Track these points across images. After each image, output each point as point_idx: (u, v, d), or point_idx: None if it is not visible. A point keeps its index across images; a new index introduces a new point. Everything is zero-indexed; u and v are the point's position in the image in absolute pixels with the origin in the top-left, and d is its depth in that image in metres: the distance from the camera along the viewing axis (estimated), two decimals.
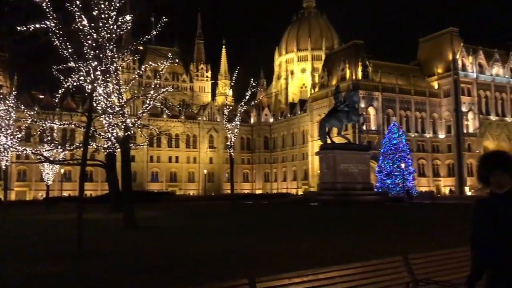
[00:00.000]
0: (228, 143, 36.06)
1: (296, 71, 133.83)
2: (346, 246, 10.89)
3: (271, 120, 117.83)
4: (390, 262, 5.01)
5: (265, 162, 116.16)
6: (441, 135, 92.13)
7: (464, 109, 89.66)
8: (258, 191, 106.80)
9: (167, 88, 20.93)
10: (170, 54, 20.48)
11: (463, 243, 3.72)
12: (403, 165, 60.90)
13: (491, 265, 3.29)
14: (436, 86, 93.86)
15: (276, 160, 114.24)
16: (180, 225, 19.02)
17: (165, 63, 19.55)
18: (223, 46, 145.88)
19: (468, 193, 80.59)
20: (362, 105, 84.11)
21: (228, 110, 37.50)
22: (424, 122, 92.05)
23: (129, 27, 18.99)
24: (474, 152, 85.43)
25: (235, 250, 10.60)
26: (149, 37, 19.26)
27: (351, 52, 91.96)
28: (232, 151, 36.64)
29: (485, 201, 3.43)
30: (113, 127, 18.66)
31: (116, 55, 18.30)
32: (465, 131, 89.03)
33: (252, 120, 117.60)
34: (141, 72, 21.83)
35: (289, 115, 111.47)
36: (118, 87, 18.21)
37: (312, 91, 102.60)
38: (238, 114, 35.74)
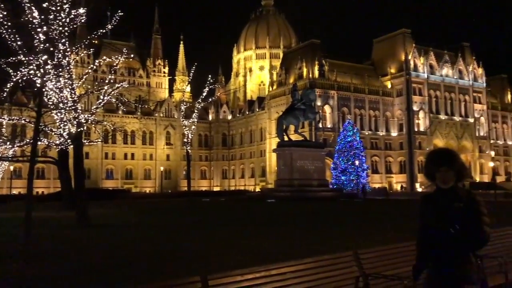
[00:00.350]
0: (185, 140, 35.67)
1: (255, 68, 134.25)
2: (300, 242, 11.07)
3: (230, 117, 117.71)
4: (341, 257, 5.15)
5: (223, 159, 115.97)
6: (394, 133, 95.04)
7: (415, 108, 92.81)
8: (216, 188, 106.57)
9: (122, 83, 20.47)
10: (125, 49, 20.05)
11: (411, 237, 3.88)
12: (357, 162, 62.43)
13: (433, 256, 3.48)
14: (389, 86, 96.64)
15: (234, 157, 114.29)
16: (134, 223, 18.72)
17: (120, 57, 19.12)
18: (181, 42, 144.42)
19: (419, 189, 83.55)
20: (318, 103, 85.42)
21: (185, 106, 37.19)
22: (378, 120, 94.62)
23: (83, 21, 18.48)
24: (424, 150, 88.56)
25: (189, 248, 10.56)
26: (104, 31, 18.80)
27: (308, 51, 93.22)
28: (189, 148, 36.31)
29: (431, 196, 3.61)
30: (65, 123, 18.11)
31: (68, 49, 17.76)
32: (416, 130, 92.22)
33: (210, 117, 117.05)
34: (95, 67, 21.26)
35: (247, 112, 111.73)
36: (70, 82, 17.67)
37: (270, 89, 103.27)
38: (196, 111, 35.45)
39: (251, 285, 4.31)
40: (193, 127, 35.32)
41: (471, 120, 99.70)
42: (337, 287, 4.88)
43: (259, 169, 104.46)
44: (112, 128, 27.84)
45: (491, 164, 68.35)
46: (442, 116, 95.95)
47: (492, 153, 67.42)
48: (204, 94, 35.27)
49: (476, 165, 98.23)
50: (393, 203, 36.75)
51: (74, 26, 18.10)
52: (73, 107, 17.81)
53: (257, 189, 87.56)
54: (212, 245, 10.80)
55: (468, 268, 3.37)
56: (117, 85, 19.90)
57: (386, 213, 23.39)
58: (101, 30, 18.70)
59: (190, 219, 20.39)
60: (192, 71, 36.83)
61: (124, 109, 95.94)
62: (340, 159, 65.82)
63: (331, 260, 5.03)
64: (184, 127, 35.59)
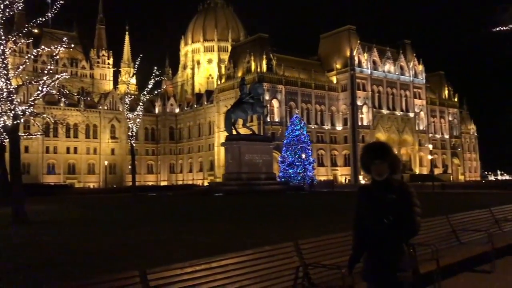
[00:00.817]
0: (130, 134, 34.82)
1: (203, 61, 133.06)
2: (244, 235, 11.15)
3: (177, 110, 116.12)
4: (282, 248, 5.24)
5: (171, 153, 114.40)
6: (339, 127, 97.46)
7: (359, 103, 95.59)
8: (163, 183, 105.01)
9: (62, 74, 19.64)
10: (65, 38, 19.24)
11: (350, 227, 4.01)
12: (304, 156, 63.51)
13: (368, 245, 3.62)
14: (334, 81, 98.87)
15: (182, 151, 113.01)
16: (74, 219, 18.11)
17: (60, 47, 18.34)
18: (126, 32, 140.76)
19: (362, 181, 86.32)
20: (267, 97, 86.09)
21: (130, 99, 36.19)
22: (323, 114, 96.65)
23: (20, 8, 17.57)
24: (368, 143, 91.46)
25: (131, 243, 10.37)
26: (44, 19, 17.98)
27: (256, 45, 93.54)
28: (134, 141, 35.46)
29: (367, 187, 3.75)
30: (1, 115, 17.21)
31: (3, 37, 16.84)
32: (360, 124, 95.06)
33: (157, 110, 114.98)
34: (32, 56, 20.28)
35: (195, 106, 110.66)
36: (5, 72, 16.78)
37: (219, 82, 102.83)
38: (141, 103, 34.65)
39: (192, 278, 4.31)
40: (138, 120, 34.58)
41: (411, 114, 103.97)
42: (278, 277, 4.97)
43: (208, 163, 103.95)
44: (53, 121, 26.63)
45: (430, 157, 71.72)
46: (385, 111, 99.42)
47: (430, 147, 70.77)
48: (150, 86, 34.57)
49: (416, 158, 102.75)
50: (337, 195, 37.77)
51: (11, 13, 17.19)
52: (9, 98, 16.94)
53: (206, 183, 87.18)
54: (155, 240, 10.64)
55: (400, 257, 3.53)
56: (57, 76, 19.08)
57: (330, 204, 24.02)
58: (41, 18, 17.87)
59: (133, 215, 19.99)
60: (137, 63, 35.98)
61: (66, 101, 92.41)
62: (288, 152, 66.73)
63: (272, 251, 5.11)
64: (128, 120, 34.68)
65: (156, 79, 35.35)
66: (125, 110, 35.98)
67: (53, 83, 19.13)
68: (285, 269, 5.09)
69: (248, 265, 4.77)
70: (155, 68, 34.83)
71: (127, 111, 34.89)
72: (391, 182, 3.61)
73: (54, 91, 23.23)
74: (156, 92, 42.02)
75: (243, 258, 4.79)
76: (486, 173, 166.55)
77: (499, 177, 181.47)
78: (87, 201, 35.16)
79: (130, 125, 33.82)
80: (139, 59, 35.96)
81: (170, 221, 16.04)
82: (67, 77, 20.58)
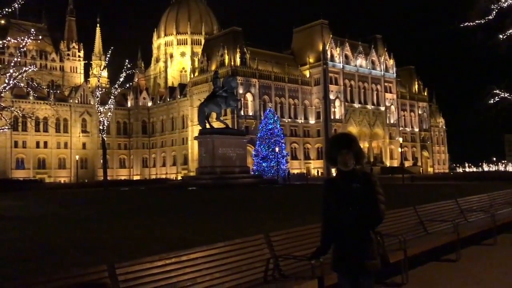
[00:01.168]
0: (101, 127, 34.25)
1: (176, 54, 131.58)
2: (216, 228, 11.16)
3: (150, 104, 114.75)
4: (252, 241, 5.28)
5: (144, 147, 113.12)
6: (312, 121, 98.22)
7: (332, 97, 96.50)
8: (136, 177, 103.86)
9: (30, 66, 19.13)
10: (32, 29, 18.71)
11: (320, 219, 4.07)
12: (277, 149, 63.81)
13: (335, 235, 3.69)
14: (307, 75, 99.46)
15: (155, 145, 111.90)
16: (43, 215, 17.74)
17: (27, 39, 17.86)
18: (98, 25, 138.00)
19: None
20: (240, 91, 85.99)
21: (101, 92, 35.52)
22: (297, 108, 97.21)
23: None
24: None
25: (101, 238, 10.24)
26: (11, 10, 17.45)
27: (230, 38, 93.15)
28: (105, 135, 34.91)
29: (333, 179, 3.82)
30: None
31: None
32: (332, 117, 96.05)
33: (129, 104, 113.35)
34: None
35: (168, 99, 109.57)
36: None
37: (192, 76, 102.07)
38: (112, 97, 34.07)
39: (162, 272, 4.30)
40: (110, 113, 34.04)
41: (382, 108, 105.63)
42: (249, 269, 5.01)
43: (181, 157, 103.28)
44: (21, 115, 25.93)
45: (400, 149, 73.11)
46: (356, 105, 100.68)
47: (401, 140, 72.10)
48: (121, 79, 34.02)
49: (386, 151, 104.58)
50: (310, 187, 38.12)
51: None
52: None
53: (179, 177, 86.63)
54: (126, 235, 10.54)
55: (368, 245, 3.61)
56: (24, 68, 18.55)
57: (302, 197, 24.24)
58: (7, 9, 17.35)
59: (104, 209, 19.71)
60: (108, 55, 35.27)
61: (35, 95, 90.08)
62: (262, 146, 66.94)
63: (243, 244, 5.14)
64: (99, 113, 34.09)
65: (127, 72, 34.87)
66: (96, 103, 35.34)
67: (20, 76, 18.62)
68: (256, 261, 5.13)
69: (218, 258, 4.79)
70: (127, 61, 34.34)
71: (98, 104, 34.27)
72: (355, 172, 3.68)
73: (22, 84, 22.62)
74: (128, 85, 41.37)
75: (213, 251, 4.81)
76: (454, 165, 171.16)
77: (467, 169, 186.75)
78: (57, 196, 34.48)
79: (101, 119, 33.25)
80: (110, 52, 35.32)
81: (141, 216, 15.88)
82: (35, 69, 20.05)
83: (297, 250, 5.53)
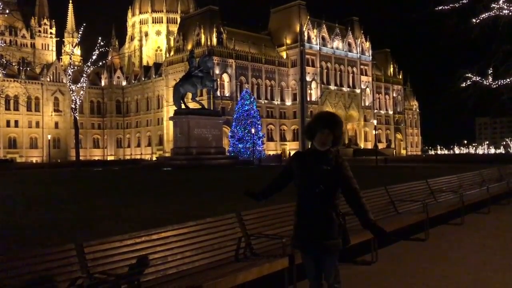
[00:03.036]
0: (73, 106, 33.53)
1: (151, 33, 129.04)
2: (191, 208, 11.14)
3: (124, 83, 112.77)
4: (224, 219, 5.27)
5: (118, 127, 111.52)
6: (288, 102, 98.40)
7: (308, 78, 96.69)
8: (110, 158, 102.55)
9: None
10: (0, 4, 18.01)
11: (290, 199, 4.10)
12: (253, 130, 63.84)
13: (297, 214, 3.71)
14: (284, 56, 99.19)
15: (129, 125, 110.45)
16: (10, 194, 17.37)
17: None
18: (70, 1, 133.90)
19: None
20: (217, 71, 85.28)
21: (72, 70, 34.63)
22: (273, 90, 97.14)
23: None
24: None
25: (70, 218, 10.09)
26: None
27: (206, 17, 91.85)
28: (77, 114, 34.21)
29: (302, 154, 3.81)
30: None
31: None
32: (308, 99, 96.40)
33: (103, 83, 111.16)
34: None
35: (143, 79, 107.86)
36: None
37: (168, 55, 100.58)
38: (85, 75, 33.28)
39: (132, 251, 4.26)
40: (82, 92, 33.31)
41: (357, 91, 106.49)
42: (221, 247, 5.01)
43: (156, 138, 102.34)
44: None
45: (374, 132, 74.05)
46: (332, 87, 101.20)
47: (375, 122, 73.00)
48: (94, 57, 33.23)
49: (361, 133, 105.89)
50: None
51: None
52: None
53: (154, 158, 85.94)
54: (96, 215, 10.39)
55: (330, 225, 3.64)
56: None
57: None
58: None
59: (75, 190, 19.40)
60: (81, 32, 34.31)
61: (4, 72, 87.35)
62: (238, 127, 66.84)
63: (214, 223, 5.13)
64: (71, 92, 33.32)
65: (100, 50, 34.03)
66: (68, 82, 34.47)
67: None
68: (228, 239, 5.14)
69: (189, 236, 4.77)
70: (99, 38, 33.50)
71: (70, 83, 33.46)
72: (328, 154, 3.67)
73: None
74: (101, 63, 40.44)
75: (184, 230, 4.78)
76: (427, 148, 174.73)
77: (439, 152, 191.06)
78: (27, 176, 33.79)
79: (73, 98, 32.51)
80: (82, 28, 34.32)
81: (113, 196, 15.69)
82: (2, 45, 19.35)
83: (269, 229, 5.56)
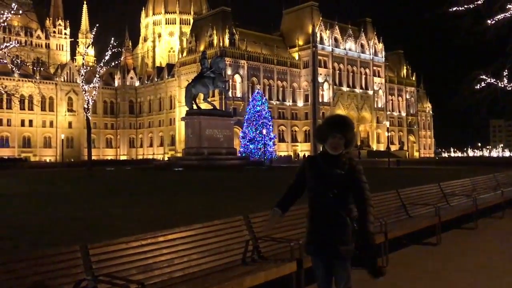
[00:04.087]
0: (85, 106, 33.74)
1: (164, 34, 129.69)
2: (199, 209, 11.10)
3: (137, 83, 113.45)
4: (231, 222, 5.21)
5: (131, 127, 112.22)
6: (300, 104, 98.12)
7: (320, 80, 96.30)
8: (123, 157, 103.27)
9: (11, 42, 18.64)
10: (14, 4, 18.17)
11: (300, 202, 4.02)
12: (264, 131, 63.76)
13: (310, 219, 3.64)
14: (296, 57, 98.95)
15: (142, 125, 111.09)
16: (22, 193, 17.49)
17: (8, 13, 17.35)
18: (84, 2, 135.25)
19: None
20: (229, 72, 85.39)
21: (85, 70, 34.89)
22: (285, 91, 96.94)
23: None
24: None
25: (79, 217, 10.10)
26: None
27: (219, 18, 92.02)
28: (90, 114, 34.43)
29: (315, 158, 3.73)
30: None
31: None
32: (320, 100, 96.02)
33: (116, 83, 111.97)
34: None
35: (156, 79, 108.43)
36: None
37: (180, 56, 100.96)
38: (97, 75, 33.46)
39: (137, 253, 4.22)
40: (95, 92, 33.51)
41: (370, 92, 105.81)
42: (228, 250, 4.95)
43: (169, 138, 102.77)
44: (3, 92, 25.37)
45: (387, 134, 73.72)
46: (345, 88, 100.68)
47: (388, 124, 72.50)
48: (107, 57, 33.42)
49: (373, 135, 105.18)
50: (294, 169, 38.20)
51: None
52: None
53: (166, 158, 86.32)
54: (105, 215, 10.40)
55: (344, 230, 3.56)
56: (5, 44, 18.06)
57: (287, 179, 24.27)
58: None
59: (86, 189, 19.50)
60: (94, 32, 34.51)
61: (18, 72, 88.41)
62: (249, 128, 66.81)
63: (222, 225, 5.07)
64: (83, 92, 33.52)
65: (113, 50, 34.22)
66: (81, 82, 34.69)
67: (2, 52, 18.15)
68: (235, 242, 5.08)
69: (196, 239, 4.72)
70: (112, 38, 33.69)
71: (83, 83, 33.69)
72: (341, 158, 3.59)
73: (6, 61, 22.08)
74: (113, 63, 40.66)
75: (191, 232, 4.73)
76: (440, 150, 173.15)
77: (452, 154, 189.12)
78: (40, 175, 34.13)
79: (86, 98, 32.72)
80: (95, 29, 34.54)
81: (123, 196, 15.73)
82: (16, 45, 19.56)
83: (277, 232, 5.49)
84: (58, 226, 8.90)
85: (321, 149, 3.73)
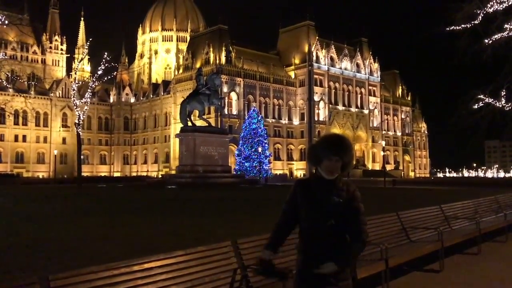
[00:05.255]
0: (76, 121, 33.23)
1: (161, 51, 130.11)
2: (187, 231, 10.54)
3: (133, 100, 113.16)
4: (218, 248, 4.70)
5: (125, 144, 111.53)
6: (296, 122, 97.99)
7: (316, 98, 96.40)
8: (117, 174, 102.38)
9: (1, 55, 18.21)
10: (1, 16, 17.78)
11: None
12: (260, 149, 63.34)
13: (303, 251, 3.14)
14: (293, 76, 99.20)
15: (136, 142, 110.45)
16: (1, 211, 16.84)
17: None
18: (82, 18, 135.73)
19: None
20: (225, 89, 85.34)
21: (77, 84, 34.54)
22: (281, 109, 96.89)
23: None
24: None
25: (57, 238, 9.51)
26: None
27: (216, 36, 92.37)
28: (80, 130, 33.89)
29: (307, 183, 3.22)
30: None
31: None
32: (316, 119, 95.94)
33: (112, 99, 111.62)
34: None
35: (152, 96, 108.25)
36: None
37: (176, 73, 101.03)
38: (89, 90, 33.08)
39: (108, 284, 3.70)
40: (86, 107, 33.03)
41: (366, 111, 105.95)
42: (213, 280, 4.45)
43: (163, 155, 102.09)
44: None
45: (382, 153, 73.43)
46: (340, 107, 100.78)
47: (383, 143, 72.26)
48: (99, 72, 33.05)
49: (369, 154, 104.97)
50: (289, 188, 37.67)
51: None
52: None
53: (160, 175, 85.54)
54: (85, 235, 9.83)
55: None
56: None
57: (282, 199, 23.77)
58: None
59: (73, 207, 18.83)
60: (86, 47, 34.30)
61: (14, 87, 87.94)
62: (245, 146, 66.46)
63: (207, 252, 4.57)
64: (74, 107, 33.05)
65: (106, 64, 33.93)
66: (72, 97, 34.27)
67: None
68: (221, 271, 4.57)
69: (177, 268, 4.21)
70: (105, 53, 33.38)
71: (74, 97, 33.25)
72: (338, 182, 3.10)
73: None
74: (106, 78, 40.34)
75: (171, 261, 4.22)
76: (435, 170, 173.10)
77: (448, 175, 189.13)
78: (28, 191, 33.37)
79: (77, 113, 32.23)
80: (87, 43, 34.31)
81: (109, 215, 15.10)
82: (5, 57, 19.13)
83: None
84: (31, 247, 8.30)
85: (313, 171, 3.24)
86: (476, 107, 23.79)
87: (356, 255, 3.12)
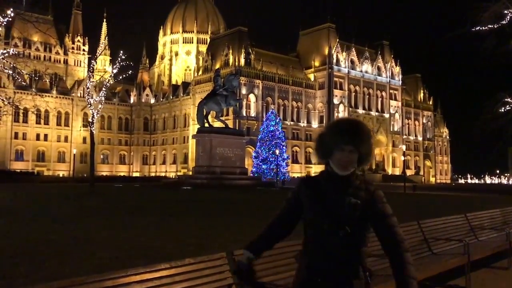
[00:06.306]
0: (90, 120, 33.15)
1: (181, 52, 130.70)
2: (193, 235, 9.97)
3: (153, 101, 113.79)
4: (210, 261, 4.10)
5: (144, 144, 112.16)
6: (314, 125, 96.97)
7: (336, 101, 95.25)
8: (136, 174, 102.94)
9: (8, 50, 18.04)
10: (34, 18, 17.61)
11: (297, 236, 2.92)
12: (277, 152, 62.67)
13: (309, 264, 2.49)
14: (312, 78, 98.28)
15: (156, 143, 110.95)
16: (10, 209, 16.50)
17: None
18: (104, 19, 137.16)
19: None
20: (244, 91, 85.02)
21: (91, 83, 34.47)
22: (300, 111, 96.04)
23: None
24: None
25: (51, 240, 9.04)
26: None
27: (235, 38, 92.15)
28: (93, 128, 33.76)
29: (315, 181, 2.55)
30: None
31: None
32: None
33: (132, 100, 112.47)
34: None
35: (171, 97, 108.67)
36: None
37: (196, 74, 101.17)
38: (104, 89, 32.99)
39: None
40: (100, 106, 32.91)
41: (386, 115, 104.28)
42: None
43: (182, 156, 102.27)
44: (9, 106, 24.84)
45: (403, 158, 71.94)
46: (360, 111, 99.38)
47: (404, 148, 70.84)
48: (115, 71, 32.94)
49: (389, 159, 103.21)
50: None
51: None
52: None
53: (176, 176, 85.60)
54: (83, 238, 9.35)
55: (354, 284, 2.42)
56: (1, 51, 17.44)
57: None
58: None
59: (83, 206, 18.45)
60: (101, 44, 34.26)
61: (37, 87, 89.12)
62: (262, 148, 65.90)
63: (196, 265, 3.96)
64: (88, 105, 32.95)
65: (122, 63, 33.71)
66: (87, 95, 34.23)
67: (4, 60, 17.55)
68: (214, 287, 3.97)
69: (159, 283, 3.61)
70: (121, 51, 33.19)
71: (88, 95, 33.16)
72: (354, 180, 2.44)
73: (6, 70, 21.55)
74: (122, 76, 40.20)
75: (154, 275, 3.61)
76: (456, 176, 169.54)
77: (469, 181, 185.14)
78: (43, 190, 33.35)
79: (91, 111, 32.15)
80: (103, 41, 34.33)
81: (114, 216, 14.60)
82: (15, 52, 18.96)
83: (269, 273, 4.37)
84: (23, 251, 7.80)
85: (324, 168, 2.58)
86: (502, 110, 22.66)
87: (411, 269, 2.35)
